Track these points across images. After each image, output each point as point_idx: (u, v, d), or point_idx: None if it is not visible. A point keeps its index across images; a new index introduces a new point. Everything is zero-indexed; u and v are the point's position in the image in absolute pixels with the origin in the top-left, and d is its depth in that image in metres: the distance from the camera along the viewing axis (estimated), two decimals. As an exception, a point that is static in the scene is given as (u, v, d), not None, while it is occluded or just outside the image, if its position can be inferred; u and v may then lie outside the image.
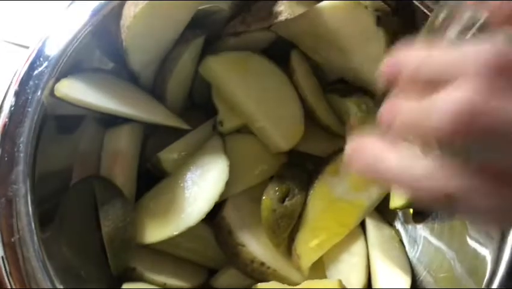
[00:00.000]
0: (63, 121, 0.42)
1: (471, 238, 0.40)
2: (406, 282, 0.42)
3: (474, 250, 0.39)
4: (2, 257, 0.35)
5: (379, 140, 0.25)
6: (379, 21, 0.42)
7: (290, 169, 0.46)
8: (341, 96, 0.47)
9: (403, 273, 0.43)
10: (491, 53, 0.21)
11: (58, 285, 0.35)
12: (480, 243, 0.39)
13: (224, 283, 0.45)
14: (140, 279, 0.42)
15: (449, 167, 0.22)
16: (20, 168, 0.36)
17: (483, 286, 0.36)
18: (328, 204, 0.45)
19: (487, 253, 0.38)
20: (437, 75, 0.23)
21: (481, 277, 0.37)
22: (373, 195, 0.46)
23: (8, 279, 0.35)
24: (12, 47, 0.53)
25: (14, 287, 0.35)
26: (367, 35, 0.42)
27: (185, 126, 0.45)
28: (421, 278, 0.43)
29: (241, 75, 0.46)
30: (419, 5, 0.42)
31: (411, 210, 0.47)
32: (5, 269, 0.35)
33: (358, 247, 0.45)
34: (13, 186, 0.36)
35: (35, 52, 0.40)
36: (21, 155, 0.36)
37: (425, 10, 0.42)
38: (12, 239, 0.35)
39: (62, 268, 0.37)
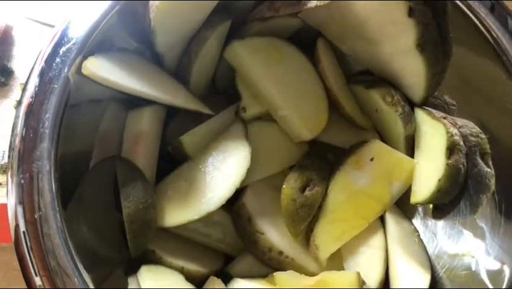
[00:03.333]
0: (86, 101, 0.42)
1: (494, 238, 0.39)
2: (426, 279, 0.41)
3: (497, 251, 0.38)
4: (24, 232, 0.35)
5: None
6: (411, 12, 0.41)
7: (312, 159, 0.46)
8: (366, 87, 0.46)
9: (423, 270, 0.42)
10: None
11: (78, 263, 0.35)
12: (503, 244, 0.38)
13: (241, 271, 0.45)
14: (158, 262, 0.42)
15: None
16: (45, 145, 0.36)
17: (504, 284, 0.36)
18: (349, 196, 0.44)
19: (509, 254, 0.37)
20: None
21: (502, 280, 0.36)
22: (394, 189, 0.46)
23: (29, 254, 0.35)
24: (34, 25, 0.53)
25: (34, 262, 0.35)
26: (398, 26, 0.41)
27: (207, 111, 0.45)
28: (440, 274, 0.43)
29: (266, 62, 0.45)
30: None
31: (431, 206, 0.46)
32: (26, 244, 0.35)
33: (377, 240, 0.45)
34: (38, 162, 0.36)
35: (61, 30, 0.39)
36: (47, 131, 0.36)
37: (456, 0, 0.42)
38: (36, 216, 0.35)
39: (81, 247, 0.37)
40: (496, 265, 0.39)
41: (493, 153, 0.44)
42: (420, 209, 0.48)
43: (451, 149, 0.43)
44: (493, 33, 0.42)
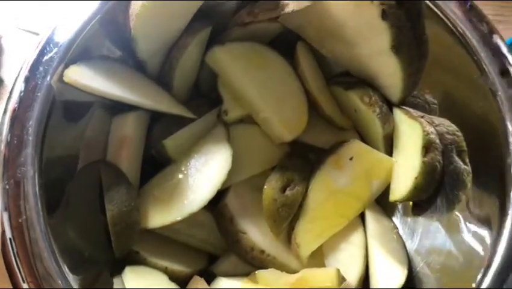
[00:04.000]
0: (71, 107, 0.43)
1: (468, 230, 0.40)
2: (402, 273, 0.42)
3: (471, 243, 0.40)
4: (10, 239, 0.36)
5: None
6: (384, 14, 0.42)
7: (292, 159, 0.47)
8: (345, 88, 0.48)
9: (399, 265, 0.43)
10: None
11: (63, 266, 0.36)
12: (476, 235, 0.39)
13: (224, 270, 0.46)
14: (142, 262, 0.43)
15: None
16: (29, 151, 0.37)
17: (478, 278, 0.37)
18: (329, 195, 0.45)
19: (482, 245, 0.38)
20: None
21: (477, 269, 0.38)
22: (373, 188, 0.47)
23: (15, 260, 0.37)
24: (23, 34, 0.54)
25: (20, 267, 0.36)
26: (373, 29, 0.43)
27: (189, 115, 0.46)
28: (418, 269, 0.44)
29: (247, 66, 0.46)
30: (424, -1, 0.42)
31: (411, 203, 0.47)
32: (13, 250, 0.36)
33: (357, 238, 0.46)
34: (22, 168, 0.37)
35: (45, 38, 0.40)
36: (30, 138, 0.37)
37: (430, 4, 0.43)
38: (20, 220, 0.36)
39: (67, 250, 0.39)
40: (471, 257, 0.40)
41: (469, 151, 0.45)
42: (399, 206, 0.49)
43: (427, 147, 0.44)
44: (464, 35, 0.43)
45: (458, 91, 0.45)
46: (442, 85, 0.46)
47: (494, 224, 0.38)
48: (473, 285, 0.37)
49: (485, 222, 0.40)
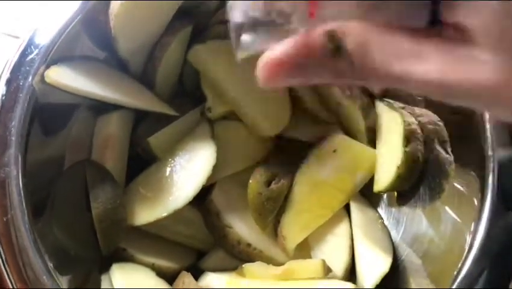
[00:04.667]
0: (55, 108, 0.44)
1: (449, 217, 0.41)
2: (387, 261, 0.43)
3: (452, 229, 0.40)
4: (-4, 237, 0.37)
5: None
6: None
7: (277, 154, 0.48)
8: (326, 82, 0.48)
9: (384, 254, 0.44)
10: None
11: (49, 263, 0.37)
12: (457, 222, 0.40)
13: (212, 265, 0.46)
14: (129, 259, 0.43)
15: None
16: (12, 151, 0.37)
17: (459, 264, 0.37)
18: (313, 187, 0.46)
19: (463, 231, 0.39)
20: None
21: (458, 255, 0.38)
22: (357, 179, 0.47)
23: (2, 259, 0.37)
24: (4, 37, 0.54)
25: (7, 266, 0.37)
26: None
27: (172, 112, 0.46)
28: (403, 257, 0.45)
29: (228, 62, 0.47)
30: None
31: (395, 193, 0.48)
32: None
33: (342, 229, 0.46)
34: (5, 168, 0.37)
35: (26, 41, 0.41)
36: (13, 138, 0.38)
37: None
38: (5, 219, 0.36)
39: (53, 248, 0.39)
40: (453, 243, 0.41)
41: (450, 140, 0.45)
42: (384, 197, 0.50)
43: (408, 137, 0.45)
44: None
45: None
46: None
47: (474, 213, 0.39)
48: (455, 272, 0.37)
49: (465, 211, 0.41)
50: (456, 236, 0.40)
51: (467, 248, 0.38)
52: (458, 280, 0.37)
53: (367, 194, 0.49)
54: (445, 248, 0.41)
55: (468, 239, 0.38)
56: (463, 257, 0.38)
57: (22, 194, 0.37)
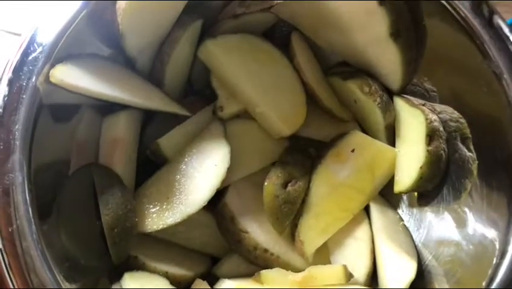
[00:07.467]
0: (59, 109, 0.41)
1: (477, 222, 0.39)
2: (412, 266, 0.41)
3: (481, 235, 0.38)
4: (0, 249, 0.34)
5: None
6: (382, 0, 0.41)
7: (292, 154, 0.46)
8: (343, 78, 0.46)
9: (409, 258, 0.42)
10: None
11: (58, 274, 0.35)
12: (486, 227, 0.38)
13: (227, 271, 0.44)
14: (141, 267, 0.41)
15: None
16: (16, 157, 0.35)
17: (489, 272, 0.36)
18: (331, 189, 0.44)
19: (493, 237, 0.37)
20: None
21: (488, 262, 0.36)
22: (376, 179, 0.45)
23: (8, 271, 0.35)
24: (3, 35, 0.52)
25: (13, 278, 0.34)
26: (370, 15, 0.41)
27: (183, 112, 0.44)
28: (427, 262, 0.43)
29: (241, 59, 0.45)
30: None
31: (416, 193, 0.46)
32: (4, 261, 0.35)
33: (362, 232, 0.44)
34: (10, 175, 0.35)
35: (28, 38, 0.38)
36: (17, 142, 0.35)
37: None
38: (10, 229, 0.34)
39: (61, 258, 0.37)
40: (482, 250, 0.39)
41: (473, 138, 0.43)
42: (404, 197, 0.48)
43: (431, 136, 0.43)
44: (466, 19, 0.41)
45: (459, 78, 0.44)
46: (443, 72, 0.45)
47: (504, 213, 0.37)
48: (487, 278, 0.35)
49: (494, 212, 0.39)
50: (485, 240, 0.38)
51: (498, 253, 0.36)
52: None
53: (386, 195, 0.47)
54: (473, 254, 0.39)
55: (500, 243, 0.36)
56: (494, 263, 0.36)
57: (28, 203, 0.34)
